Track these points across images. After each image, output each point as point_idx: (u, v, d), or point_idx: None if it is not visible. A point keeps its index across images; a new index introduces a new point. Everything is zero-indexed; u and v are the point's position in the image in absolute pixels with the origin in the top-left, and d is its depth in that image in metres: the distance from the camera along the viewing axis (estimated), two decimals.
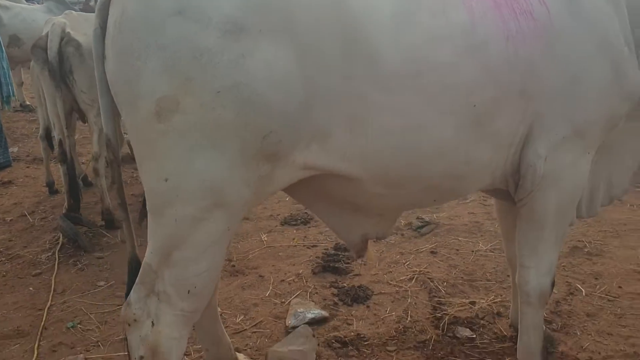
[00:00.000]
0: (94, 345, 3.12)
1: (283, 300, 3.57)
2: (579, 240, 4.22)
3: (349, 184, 2.08)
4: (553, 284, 2.48)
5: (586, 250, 4.06)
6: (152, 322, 1.93)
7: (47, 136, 5.34)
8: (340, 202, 2.26)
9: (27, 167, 6.81)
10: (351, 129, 1.92)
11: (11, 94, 6.50)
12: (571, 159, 2.26)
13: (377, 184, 2.08)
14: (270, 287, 3.75)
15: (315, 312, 3.31)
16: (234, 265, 4.11)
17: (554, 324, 3.16)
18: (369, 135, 1.94)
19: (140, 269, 1.95)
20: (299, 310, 3.31)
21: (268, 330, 3.23)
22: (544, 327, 2.98)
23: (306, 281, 3.81)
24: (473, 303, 3.41)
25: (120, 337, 3.25)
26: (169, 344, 1.94)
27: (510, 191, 2.39)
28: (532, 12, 2.11)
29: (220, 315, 3.34)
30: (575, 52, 2.14)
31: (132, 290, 1.97)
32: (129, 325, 1.96)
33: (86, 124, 5.01)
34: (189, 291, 1.92)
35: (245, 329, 3.26)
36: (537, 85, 2.11)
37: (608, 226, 4.48)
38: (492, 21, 2.03)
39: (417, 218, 4.79)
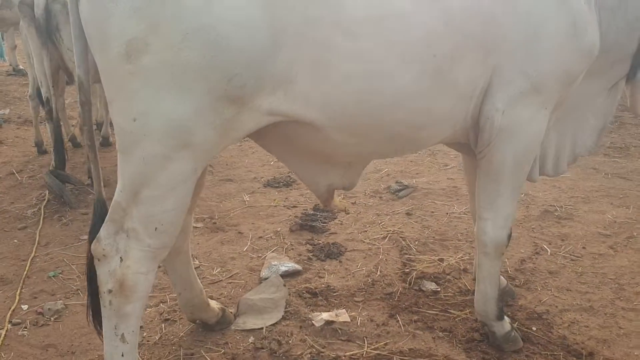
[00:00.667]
0: (73, 293, 3.24)
1: (259, 255, 3.70)
2: (550, 205, 4.34)
3: (313, 131, 2.16)
4: (509, 236, 2.59)
5: (556, 214, 4.19)
6: (120, 257, 2.04)
7: (38, 96, 5.41)
8: (306, 151, 2.36)
9: (18, 128, 6.89)
10: (315, 75, 1.98)
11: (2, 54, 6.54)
12: (528, 114, 2.35)
13: (341, 131, 2.16)
14: (248, 243, 3.87)
15: (288, 265, 3.43)
16: (215, 223, 4.23)
17: (516, 280, 3.29)
18: (332, 80, 2.01)
19: (110, 207, 2.06)
20: (273, 263, 3.44)
21: (242, 281, 3.36)
22: (506, 282, 3.13)
23: (283, 238, 3.94)
24: (442, 260, 3.54)
25: None
26: (136, 278, 2.05)
27: (471, 144, 2.49)
28: None
29: (198, 267, 3.49)
30: (537, 7, 2.22)
31: (102, 227, 2.07)
32: (99, 260, 2.07)
33: (74, 85, 5.08)
34: (156, 228, 2.02)
35: (221, 280, 3.39)
36: (497, 38, 2.19)
37: (580, 192, 4.60)
38: None
39: (396, 182, 4.90)
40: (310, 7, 1.92)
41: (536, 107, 2.36)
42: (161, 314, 3.04)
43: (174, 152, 1.92)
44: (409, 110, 2.17)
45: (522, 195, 4.52)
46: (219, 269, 3.51)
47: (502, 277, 3.10)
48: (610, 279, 3.27)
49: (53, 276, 3.42)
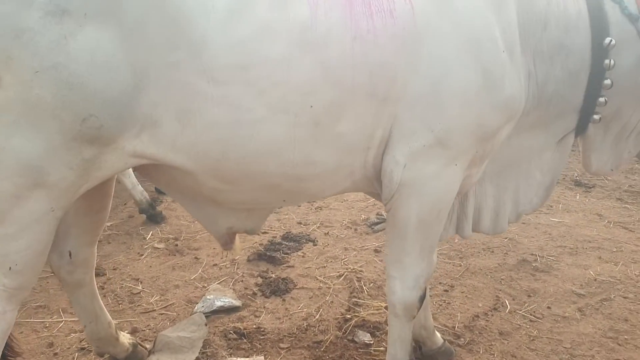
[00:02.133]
0: None
1: (205, 284, 3.58)
2: (531, 254, 4.02)
3: (186, 176, 2.04)
4: (422, 298, 2.37)
5: (534, 264, 3.87)
6: None
7: None
8: (194, 194, 2.22)
9: None
10: (179, 120, 1.88)
11: None
12: (434, 169, 2.13)
13: (211, 178, 2.03)
14: (200, 271, 3.76)
15: (225, 300, 3.30)
16: (176, 245, 4.14)
17: (461, 339, 3.04)
18: (197, 127, 1.89)
19: None
20: (208, 297, 3.31)
21: (175, 314, 3.25)
22: (443, 341, 2.88)
23: (237, 268, 3.81)
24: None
25: (38, 303, 3.35)
26: None
27: (381, 195, 2.29)
28: (393, 10, 1.98)
29: (139, 293, 3.40)
30: (439, 54, 2.01)
31: None
32: None
33: None
34: (10, 268, 1.93)
35: (154, 310, 3.29)
36: (392, 87, 2.00)
37: (571, 242, 4.25)
38: (338, 18, 1.92)
39: (377, 214, 4.69)
40: (171, 51, 1.81)
41: (443, 162, 2.13)
42: (79, 342, 2.96)
43: (26, 190, 1.82)
44: (283, 161, 2.00)
45: (505, 239, 4.22)
46: (157, 297, 3.42)
47: (438, 335, 2.86)
48: (565, 347, 2.96)
49: None
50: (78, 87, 1.74)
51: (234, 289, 3.50)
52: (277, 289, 3.51)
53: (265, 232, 4.38)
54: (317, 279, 3.66)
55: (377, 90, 1.98)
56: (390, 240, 2.31)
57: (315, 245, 4.17)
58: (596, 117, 2.39)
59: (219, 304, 3.26)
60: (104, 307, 2.72)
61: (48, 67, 1.70)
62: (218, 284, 3.57)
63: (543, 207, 4.82)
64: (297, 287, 3.56)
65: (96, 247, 2.58)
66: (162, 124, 1.88)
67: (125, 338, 2.81)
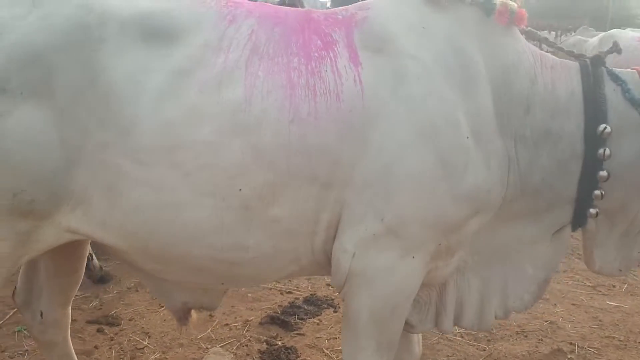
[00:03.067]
0: None
1: (210, 345, 3.51)
2: (570, 343, 3.59)
3: (124, 254, 2.01)
4: None
5: (569, 356, 3.45)
6: None
7: None
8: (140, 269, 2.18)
9: None
10: (108, 199, 1.88)
11: None
12: (386, 261, 1.95)
13: (143, 258, 1.98)
14: (209, 330, 3.70)
15: None
16: None
17: None
18: (124, 207, 1.87)
19: None
20: None
21: None
22: None
23: (247, 330, 3.71)
24: None
25: None
26: None
27: None
28: (339, 92, 1.86)
29: (143, 348, 3.40)
30: (391, 139, 1.86)
31: None
32: None
33: None
34: None
35: None
36: (337, 172, 1.87)
37: (622, 332, 3.76)
38: (275, 101, 1.83)
39: None
40: (101, 131, 1.81)
41: (398, 254, 1.94)
42: None
43: None
44: (208, 245, 1.91)
45: (545, 322, 3.82)
46: (158, 355, 3.39)
47: None
48: None
49: None
50: (8, 163, 1.77)
51: (235, 354, 3.40)
52: (279, 359, 3.37)
53: (289, 292, 4.26)
54: (324, 352, 3.47)
55: (317, 174, 1.85)
56: (343, 332, 2.13)
57: (335, 312, 3.98)
58: (592, 211, 2.10)
59: None
60: None
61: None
62: (220, 346, 3.48)
63: (602, 287, 4.36)
64: (299, 359, 3.39)
65: (69, 308, 2.60)
66: (92, 202, 1.87)
67: None
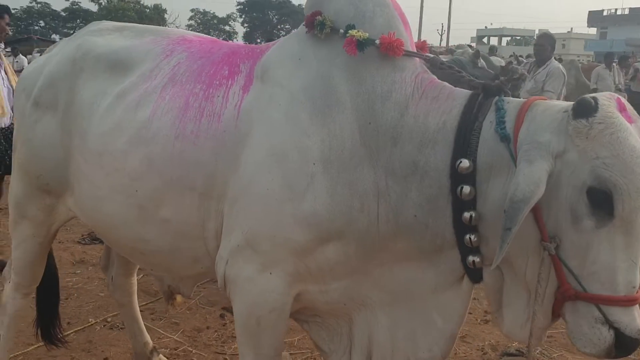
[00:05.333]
0: None
1: None
2: None
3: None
4: None
5: None
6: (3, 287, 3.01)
7: None
8: None
9: None
10: (77, 188, 2.54)
11: None
12: (248, 273, 2.13)
13: (108, 241, 2.58)
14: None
15: None
16: None
17: None
18: (82, 195, 2.52)
19: None
20: None
21: None
22: None
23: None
24: None
25: None
26: (6, 301, 2.96)
27: None
28: (221, 115, 2.16)
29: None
30: (251, 159, 2.08)
31: None
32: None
33: None
34: (13, 268, 2.90)
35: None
36: (213, 185, 2.17)
37: None
38: (168, 119, 2.23)
39: (518, 348, 3.94)
40: (75, 137, 2.51)
41: (257, 268, 2.11)
42: None
43: (20, 218, 2.79)
44: (122, 234, 2.41)
45: None
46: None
47: None
48: None
49: None
50: (33, 154, 2.63)
51: None
52: None
53: None
54: None
55: (195, 185, 2.19)
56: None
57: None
58: (470, 259, 1.91)
59: None
60: (144, 329, 3.42)
61: (25, 139, 2.66)
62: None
63: None
64: None
65: (133, 278, 3.33)
66: (74, 189, 2.57)
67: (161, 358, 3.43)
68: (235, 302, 2.20)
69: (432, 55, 2.10)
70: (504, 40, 76.12)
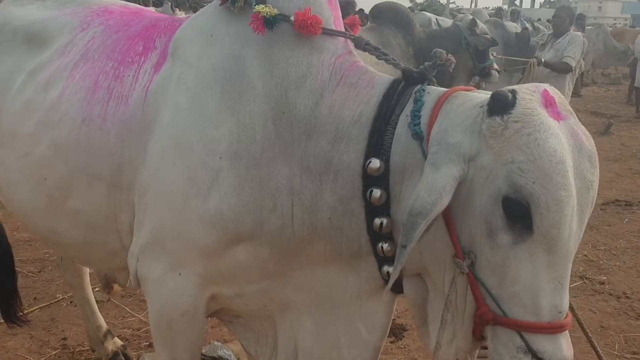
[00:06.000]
0: None
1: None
2: None
3: None
4: None
5: None
6: None
7: None
8: None
9: None
10: None
11: None
12: (158, 272, 1.95)
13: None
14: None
15: (227, 352, 3.41)
16: None
17: None
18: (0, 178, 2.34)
19: None
20: (215, 342, 3.48)
21: None
22: None
23: None
24: None
25: None
26: None
27: None
28: (128, 97, 1.96)
29: None
30: (156, 148, 1.88)
31: None
32: None
33: None
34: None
35: None
36: (120, 174, 1.98)
37: None
38: (76, 101, 2.03)
39: None
40: None
41: (166, 267, 1.93)
42: None
43: None
44: (33, 223, 2.24)
45: None
46: None
47: None
48: None
49: None
50: None
51: None
52: None
53: None
54: None
55: (103, 174, 2.00)
56: None
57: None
58: (385, 269, 1.69)
59: (220, 353, 3.40)
60: (97, 312, 3.29)
61: None
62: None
63: None
64: None
65: None
66: None
67: (112, 344, 3.31)
68: (148, 302, 2.05)
69: (356, 35, 1.83)
70: (537, 2, 73.71)
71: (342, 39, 1.81)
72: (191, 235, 1.82)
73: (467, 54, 5.38)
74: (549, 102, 1.39)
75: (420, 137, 1.54)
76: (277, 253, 1.85)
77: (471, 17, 5.43)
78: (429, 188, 1.38)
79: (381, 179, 1.59)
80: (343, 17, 1.90)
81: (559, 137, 1.35)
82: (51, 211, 2.14)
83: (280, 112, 1.74)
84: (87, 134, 1.98)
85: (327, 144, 1.69)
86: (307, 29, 1.70)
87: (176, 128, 1.82)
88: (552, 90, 1.44)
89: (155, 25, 2.10)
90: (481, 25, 5.50)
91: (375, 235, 1.65)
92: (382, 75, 1.74)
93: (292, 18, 1.73)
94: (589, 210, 1.41)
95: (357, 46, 1.81)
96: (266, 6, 1.71)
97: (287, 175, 1.75)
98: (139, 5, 2.52)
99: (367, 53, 1.79)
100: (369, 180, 1.61)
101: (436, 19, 8.84)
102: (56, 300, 4.01)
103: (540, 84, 1.47)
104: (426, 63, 1.66)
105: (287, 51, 1.75)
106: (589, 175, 1.38)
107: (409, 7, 10.72)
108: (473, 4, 45.85)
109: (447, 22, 9.90)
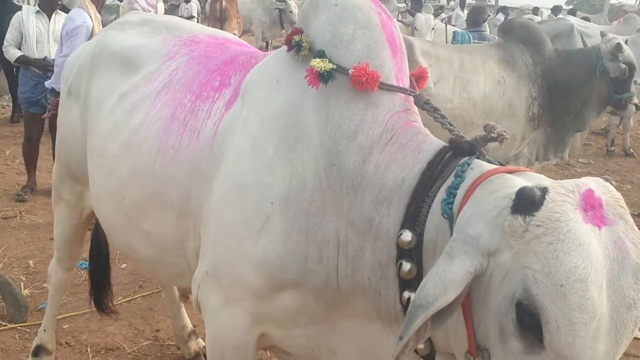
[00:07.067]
0: None
1: None
2: None
3: None
4: None
5: None
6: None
7: None
8: None
9: None
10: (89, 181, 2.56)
11: None
12: (214, 304, 2.01)
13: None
14: None
15: None
16: None
17: None
18: (90, 190, 2.54)
19: None
20: None
21: None
22: None
23: None
24: None
25: None
26: (51, 273, 3.16)
27: None
28: (200, 131, 2.04)
29: None
30: (219, 186, 1.94)
31: None
32: None
33: None
34: (55, 245, 3.07)
35: None
36: (188, 204, 2.07)
37: None
38: (155, 129, 2.15)
39: None
40: (88, 130, 2.52)
41: (221, 300, 1.99)
42: None
43: (56, 198, 2.96)
44: (116, 238, 2.43)
45: None
46: None
47: None
48: None
49: None
50: (64, 142, 2.71)
51: None
52: None
53: None
54: None
55: (173, 202, 2.11)
56: None
57: None
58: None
59: None
60: (183, 312, 3.48)
61: (60, 125, 2.74)
62: None
63: None
64: None
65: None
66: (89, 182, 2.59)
67: (195, 344, 3.49)
68: (206, 328, 2.12)
69: (418, 92, 1.74)
70: None
71: (402, 94, 1.74)
72: (243, 275, 1.86)
73: (604, 82, 4.79)
74: (590, 205, 1.22)
75: (450, 218, 1.44)
76: (323, 302, 1.83)
77: (618, 40, 4.74)
78: (436, 280, 1.28)
79: (413, 252, 1.52)
80: None
81: (587, 249, 1.18)
82: (128, 229, 2.29)
83: (331, 163, 1.72)
84: (161, 163, 2.09)
85: (370, 203, 1.65)
86: (362, 84, 1.66)
87: (237, 170, 1.87)
88: (603, 189, 1.26)
89: (234, 60, 2.15)
90: (627, 51, 4.79)
91: (406, 308, 1.58)
92: (433, 139, 1.66)
93: (350, 71, 1.69)
94: (629, 331, 1.21)
95: (416, 104, 1.73)
96: (322, 60, 1.69)
97: (335, 227, 1.73)
98: (226, 34, 2.59)
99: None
100: (401, 251, 1.55)
101: (578, 29, 8.03)
102: (157, 290, 4.28)
103: (589, 179, 1.28)
104: (477, 135, 1.55)
105: (342, 104, 1.73)
106: (631, 292, 1.19)
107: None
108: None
109: (592, 29, 9.12)
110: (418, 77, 1.85)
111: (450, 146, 1.60)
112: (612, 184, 1.30)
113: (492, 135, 1.51)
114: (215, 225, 1.93)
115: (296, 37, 1.81)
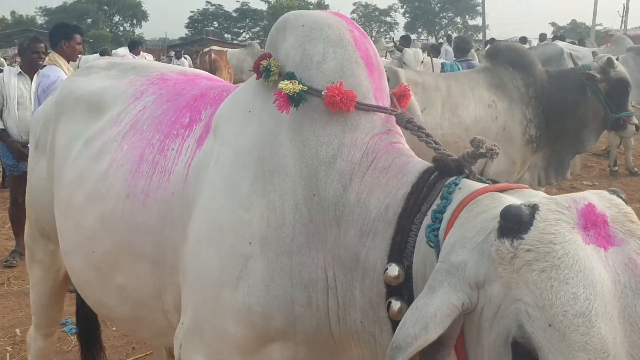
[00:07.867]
0: None
1: None
2: None
3: None
4: None
5: None
6: None
7: None
8: None
9: None
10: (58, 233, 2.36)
11: None
12: None
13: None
14: None
15: None
16: None
17: None
18: (61, 245, 2.34)
19: None
20: None
21: None
22: None
23: None
24: None
25: None
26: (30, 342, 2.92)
27: None
28: (171, 172, 1.86)
29: None
30: (193, 231, 1.75)
31: None
32: None
33: None
34: (32, 310, 2.85)
35: None
36: (163, 254, 1.87)
37: None
38: (122, 173, 1.98)
39: None
40: (55, 181, 2.36)
41: (203, 359, 1.76)
42: None
43: (30, 260, 2.75)
44: (89, 296, 2.22)
45: None
46: None
47: None
48: None
49: None
50: (33, 197, 2.54)
51: None
52: None
53: None
54: None
55: (145, 252, 1.92)
56: None
57: None
58: None
59: None
60: None
61: (28, 181, 2.58)
62: None
63: None
64: None
65: None
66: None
67: None
68: None
69: (400, 110, 1.57)
70: None
71: (382, 114, 1.57)
72: (224, 327, 1.65)
73: (598, 101, 4.58)
74: (591, 222, 1.02)
75: (436, 245, 1.25)
76: (317, 355, 1.63)
77: (609, 56, 4.60)
78: (415, 316, 1.09)
79: (404, 288, 1.33)
80: None
81: (589, 276, 0.98)
82: (100, 284, 2.09)
83: (311, 193, 1.54)
84: (130, 210, 1.91)
85: (355, 235, 1.46)
86: (336, 105, 1.49)
87: (211, 210, 1.69)
88: (607, 203, 1.06)
89: (205, 95, 2.00)
90: (619, 67, 4.62)
91: None
92: (417, 161, 1.48)
93: (323, 92, 1.53)
94: None
95: (398, 123, 1.56)
96: (291, 82, 1.52)
97: (322, 265, 1.54)
98: (197, 70, 2.45)
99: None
100: (390, 288, 1.35)
101: (569, 51, 7.94)
102: (149, 353, 4.04)
103: (590, 193, 1.08)
104: (465, 152, 1.37)
105: (318, 129, 1.55)
106: None
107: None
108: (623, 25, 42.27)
109: (582, 52, 9.07)
110: (400, 96, 1.69)
111: (435, 166, 1.42)
112: (621, 197, 1.10)
113: (481, 150, 1.33)
114: (192, 274, 1.73)
115: (264, 62, 1.65)
